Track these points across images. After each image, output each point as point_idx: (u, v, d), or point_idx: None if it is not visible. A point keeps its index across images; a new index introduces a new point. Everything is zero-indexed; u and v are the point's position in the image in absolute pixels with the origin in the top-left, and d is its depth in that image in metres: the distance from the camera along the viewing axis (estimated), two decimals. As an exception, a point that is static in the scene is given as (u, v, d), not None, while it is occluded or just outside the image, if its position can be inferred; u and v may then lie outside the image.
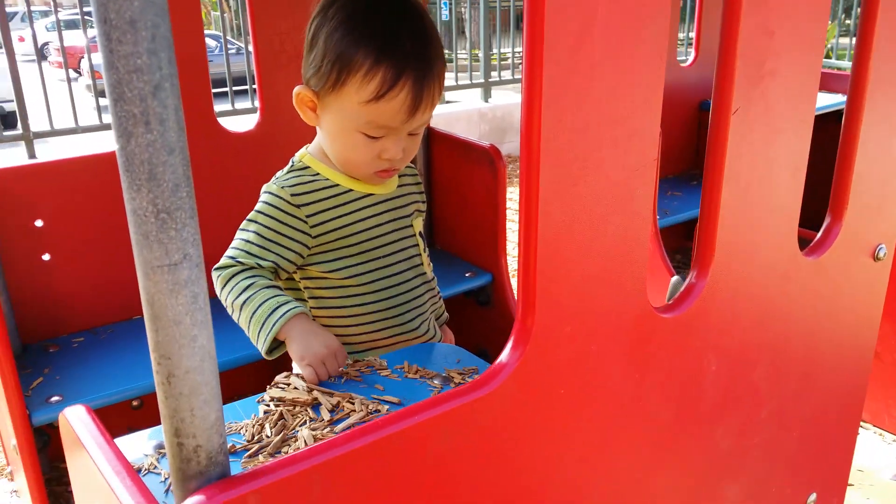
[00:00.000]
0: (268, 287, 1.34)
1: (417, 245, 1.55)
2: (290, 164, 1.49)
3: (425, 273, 1.57)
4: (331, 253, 1.44)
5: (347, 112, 1.33)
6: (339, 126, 1.37)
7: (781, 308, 1.29)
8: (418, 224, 1.58)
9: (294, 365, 1.34)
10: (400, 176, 1.55)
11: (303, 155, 1.49)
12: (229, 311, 1.37)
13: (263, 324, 1.31)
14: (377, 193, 1.48)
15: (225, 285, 1.37)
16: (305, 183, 1.43)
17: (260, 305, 1.32)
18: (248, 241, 1.39)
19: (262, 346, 1.33)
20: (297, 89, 1.39)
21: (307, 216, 1.41)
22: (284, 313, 1.30)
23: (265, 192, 1.44)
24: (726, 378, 1.25)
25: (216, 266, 1.39)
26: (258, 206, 1.43)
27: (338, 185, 1.45)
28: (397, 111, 1.30)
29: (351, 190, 1.45)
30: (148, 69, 0.60)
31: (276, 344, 1.35)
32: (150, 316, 0.71)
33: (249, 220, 1.42)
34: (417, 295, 1.54)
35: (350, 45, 1.29)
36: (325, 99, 1.36)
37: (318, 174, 1.45)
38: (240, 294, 1.33)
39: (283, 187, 1.42)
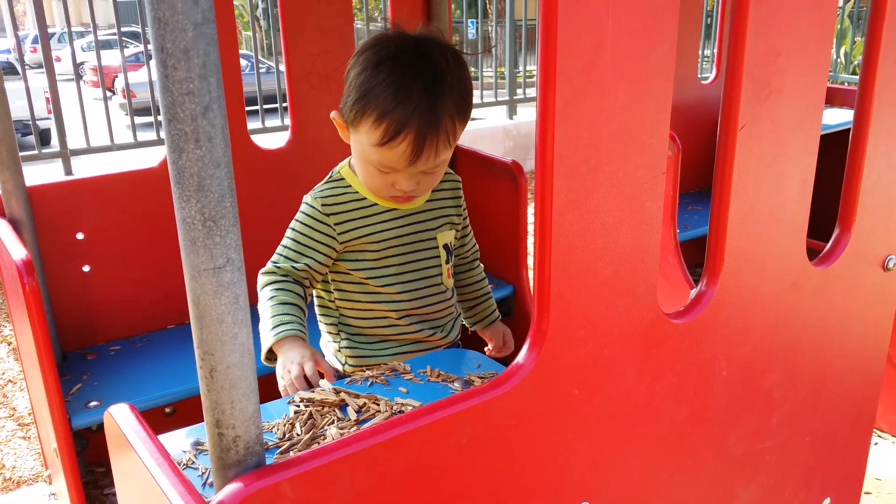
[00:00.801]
0: (282, 303, 1.50)
1: (438, 257, 1.64)
2: (330, 174, 1.64)
3: (441, 284, 1.66)
4: (354, 254, 1.59)
5: (363, 147, 1.47)
6: (358, 155, 1.51)
7: (791, 316, 1.34)
8: (446, 236, 1.66)
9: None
10: (436, 189, 1.65)
11: (342, 167, 1.63)
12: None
13: (265, 335, 1.48)
14: (401, 208, 1.60)
15: (261, 289, 1.55)
16: (337, 195, 1.58)
17: (269, 318, 1.49)
18: (286, 247, 1.57)
19: (262, 353, 1.49)
20: (332, 114, 1.54)
21: (335, 224, 1.56)
22: (278, 333, 1.46)
23: (303, 202, 1.60)
24: (738, 383, 1.30)
25: (262, 270, 1.57)
26: (297, 215, 1.60)
27: (365, 198, 1.58)
28: (399, 158, 1.43)
29: (376, 204, 1.59)
30: (199, 92, 0.67)
31: (275, 355, 1.49)
32: (196, 315, 0.78)
33: (290, 228, 1.59)
34: (427, 304, 1.64)
35: (367, 92, 1.42)
36: (350, 129, 1.50)
37: (349, 186, 1.59)
38: (264, 302, 1.52)
39: (315, 198, 1.58)
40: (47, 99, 9.27)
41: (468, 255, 1.81)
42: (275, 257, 1.57)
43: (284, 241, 1.58)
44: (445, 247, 1.66)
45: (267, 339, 1.47)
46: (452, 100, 1.43)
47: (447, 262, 1.67)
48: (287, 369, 1.41)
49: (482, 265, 1.86)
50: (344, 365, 1.66)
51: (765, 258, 1.24)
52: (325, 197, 1.57)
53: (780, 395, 1.39)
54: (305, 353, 1.43)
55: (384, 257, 1.58)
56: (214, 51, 0.68)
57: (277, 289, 1.52)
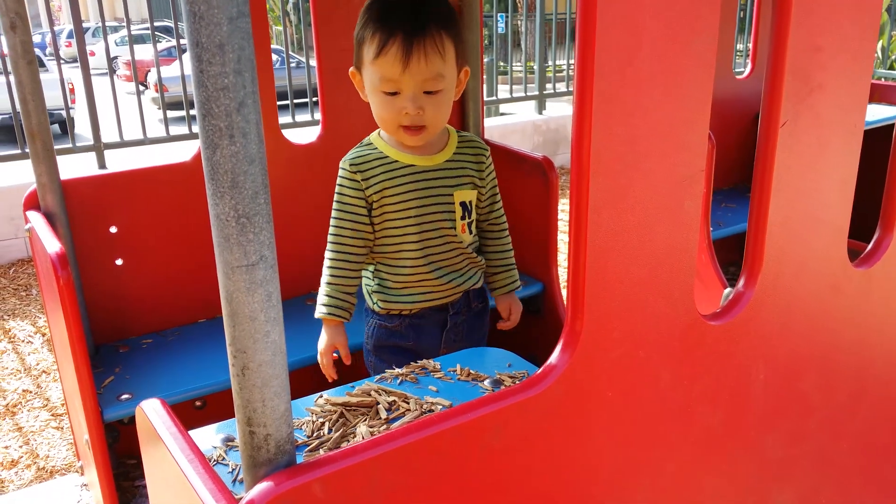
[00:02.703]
0: (328, 284, 1.75)
1: (453, 212, 1.78)
2: (361, 141, 1.82)
3: (456, 236, 1.79)
4: (380, 208, 1.75)
5: (368, 74, 1.66)
6: (369, 90, 1.69)
7: (831, 318, 1.31)
8: (465, 195, 1.80)
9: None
10: (457, 152, 1.80)
11: (372, 134, 1.82)
12: None
13: (317, 307, 1.77)
14: (418, 165, 1.75)
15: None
16: (363, 155, 1.76)
17: (321, 291, 1.76)
18: (333, 217, 1.77)
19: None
20: (350, 70, 1.73)
21: (361, 180, 1.73)
22: (321, 311, 1.75)
23: (339, 170, 1.77)
24: (775, 387, 1.27)
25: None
26: (337, 183, 1.77)
27: (387, 156, 1.75)
28: (393, 62, 1.60)
29: (396, 161, 1.75)
30: (234, 87, 0.67)
31: None
32: (228, 312, 0.77)
33: (334, 200, 1.77)
34: (446, 252, 1.79)
35: (363, 26, 1.65)
36: (361, 72, 1.70)
37: (376, 148, 1.77)
38: (323, 272, 1.77)
39: (345, 160, 1.77)
40: (71, 90, 9.68)
41: (496, 223, 1.93)
42: (330, 229, 1.76)
43: (332, 212, 1.76)
44: (463, 204, 1.79)
45: (317, 310, 1.76)
46: (436, 14, 1.62)
47: (463, 218, 1.79)
48: (321, 353, 1.74)
49: (510, 238, 1.96)
50: (375, 305, 1.83)
51: (805, 259, 1.21)
52: (353, 158, 1.75)
53: (818, 399, 1.36)
54: (327, 341, 1.74)
55: (403, 209, 1.73)
56: (249, 45, 0.67)
57: (329, 266, 1.75)
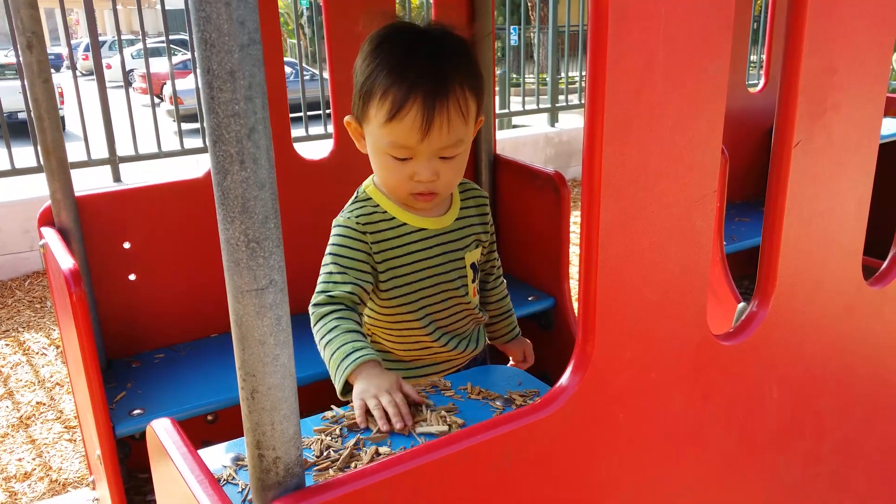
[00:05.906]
0: (349, 331, 1.40)
1: (465, 276, 1.61)
2: (356, 194, 1.59)
3: (469, 301, 1.62)
4: (384, 273, 1.53)
5: (374, 135, 1.42)
6: (373, 149, 1.46)
7: (846, 337, 1.29)
8: (473, 255, 1.63)
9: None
10: (462, 208, 1.62)
11: (367, 186, 1.59)
12: (318, 346, 1.44)
13: (338, 366, 1.36)
14: (429, 229, 1.56)
15: (316, 323, 1.44)
16: (369, 214, 1.53)
17: (338, 348, 1.37)
18: (330, 273, 1.49)
19: (336, 387, 1.38)
20: (346, 119, 1.50)
21: (371, 242, 1.51)
22: (356, 359, 1.34)
23: (336, 226, 1.54)
24: (789, 407, 1.26)
25: (312, 303, 1.47)
26: (332, 240, 1.52)
27: (395, 217, 1.53)
28: (410, 129, 1.36)
29: (405, 224, 1.53)
30: (244, 114, 0.67)
31: (350, 387, 1.36)
32: (238, 336, 0.77)
33: (328, 254, 1.51)
34: (457, 320, 1.62)
35: (370, 76, 1.39)
36: (363, 126, 1.46)
37: (378, 205, 1.54)
38: (326, 334, 1.40)
39: (349, 217, 1.53)
40: (60, 93, 10.12)
41: (493, 272, 1.78)
42: (323, 286, 1.47)
43: (327, 269, 1.49)
44: (472, 266, 1.63)
45: (345, 367, 1.35)
46: (458, 66, 1.38)
47: (473, 280, 1.63)
48: (372, 394, 1.27)
49: (505, 281, 1.83)
50: None
51: (819, 279, 1.20)
52: (359, 216, 1.52)
53: (832, 420, 1.35)
54: (388, 382, 1.30)
55: (415, 280, 1.54)
56: (260, 72, 0.67)
57: (339, 317, 1.41)
